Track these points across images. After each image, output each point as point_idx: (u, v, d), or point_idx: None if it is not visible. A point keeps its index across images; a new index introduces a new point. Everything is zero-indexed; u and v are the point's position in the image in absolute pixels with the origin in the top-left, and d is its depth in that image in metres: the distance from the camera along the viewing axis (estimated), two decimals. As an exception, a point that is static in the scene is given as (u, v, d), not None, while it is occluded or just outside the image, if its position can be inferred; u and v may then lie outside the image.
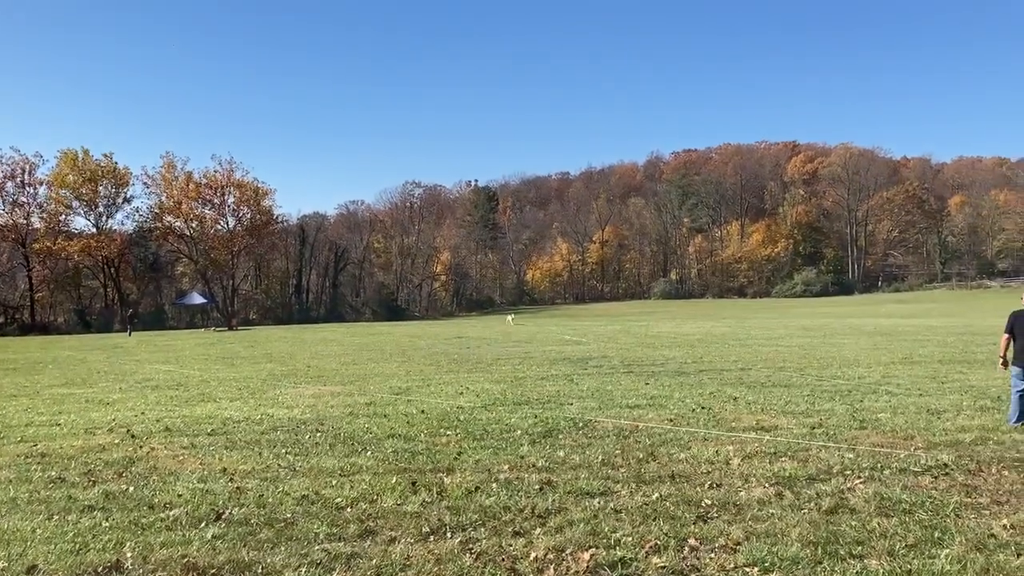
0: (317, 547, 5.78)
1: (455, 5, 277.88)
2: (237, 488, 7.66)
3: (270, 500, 7.17)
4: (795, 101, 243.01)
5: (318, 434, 10.80)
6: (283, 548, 5.77)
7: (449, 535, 6.01)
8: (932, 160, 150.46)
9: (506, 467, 8.37)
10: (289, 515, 6.64)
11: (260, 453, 9.53)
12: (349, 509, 6.81)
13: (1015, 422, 10.56)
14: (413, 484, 7.61)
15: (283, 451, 9.64)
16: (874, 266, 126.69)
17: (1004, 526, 6.01)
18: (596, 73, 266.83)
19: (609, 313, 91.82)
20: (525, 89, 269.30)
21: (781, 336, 35.23)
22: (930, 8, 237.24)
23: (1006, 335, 10.97)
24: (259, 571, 5.33)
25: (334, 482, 7.82)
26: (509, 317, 39.97)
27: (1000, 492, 7.09)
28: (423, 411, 12.75)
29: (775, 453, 8.94)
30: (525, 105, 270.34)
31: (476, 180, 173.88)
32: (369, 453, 9.34)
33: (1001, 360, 11.03)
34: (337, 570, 5.31)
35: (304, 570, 5.31)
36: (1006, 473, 7.80)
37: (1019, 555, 5.33)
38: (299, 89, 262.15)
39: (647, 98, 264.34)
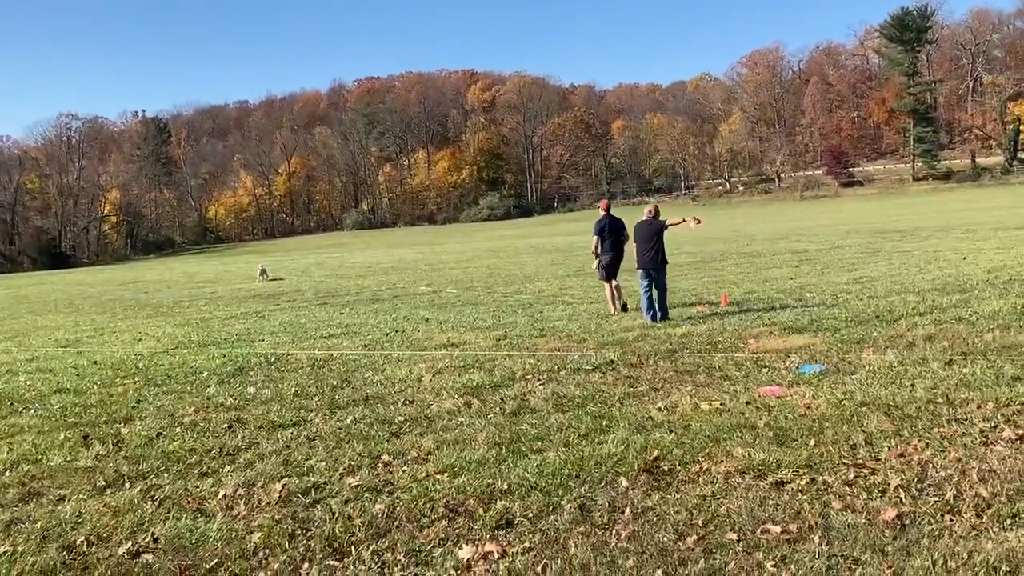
0: (-32, 520, 5.10)
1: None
2: None
3: (-95, 478, 6.20)
4: (471, 30, 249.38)
5: (-33, 398, 9.48)
6: (-77, 528, 5.02)
7: (128, 485, 5.58)
8: (596, 87, 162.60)
9: (191, 410, 7.92)
10: (-69, 491, 5.79)
11: None
12: (8, 473, 6.08)
13: (648, 315, 12.10)
14: (85, 438, 6.95)
15: (-79, 422, 8.36)
16: (550, 188, 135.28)
17: (659, 408, 6.77)
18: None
19: (302, 247, 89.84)
20: (194, 7, 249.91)
21: (470, 259, 36.69)
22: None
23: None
24: None
25: (-12, 448, 6.93)
26: (259, 266, 33.13)
27: (656, 380, 7.97)
28: (95, 362, 11.66)
29: (464, 366, 9.33)
30: (195, 26, 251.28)
31: (144, 110, 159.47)
32: (32, 412, 8.38)
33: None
34: (-7, 541, 4.73)
35: (-49, 548, 4.67)
36: (661, 363, 8.79)
37: (671, 431, 6.03)
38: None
39: (325, 24, 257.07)
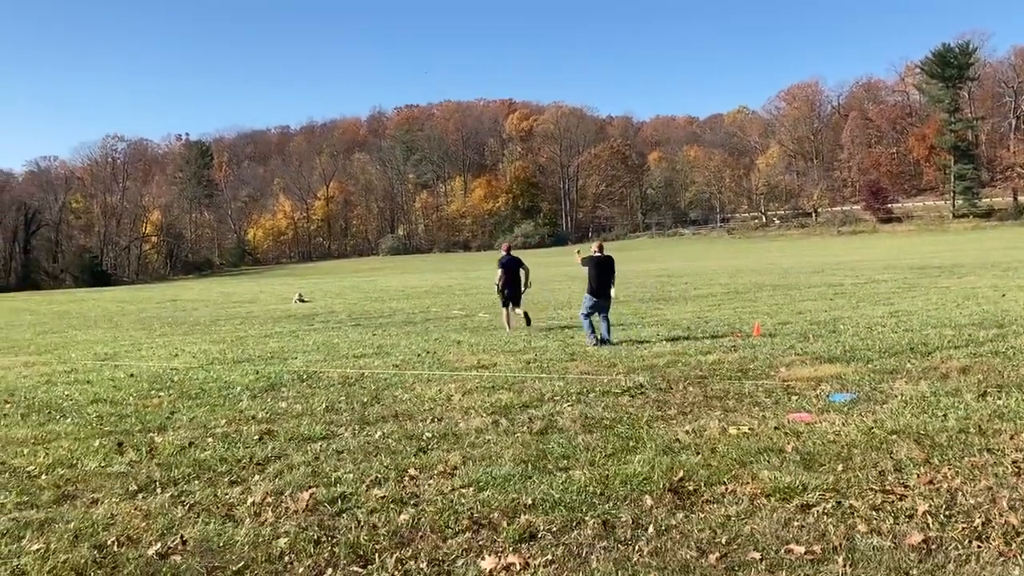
0: (4, 517, 5.23)
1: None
2: (-97, 470, 6.70)
3: (-54, 478, 6.36)
4: (510, 60, 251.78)
5: (7, 405, 9.70)
6: (-38, 525, 5.16)
7: (159, 490, 5.69)
8: (633, 119, 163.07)
9: (224, 422, 8.04)
10: (-31, 491, 5.94)
11: (-67, 431, 8.40)
12: (44, 476, 6.22)
13: (590, 339, 13.06)
14: (119, 445, 7.09)
15: (-38, 427, 8.56)
16: (585, 218, 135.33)
17: (687, 432, 6.76)
18: (310, 23, 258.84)
19: (338, 271, 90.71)
20: (240, 35, 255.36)
21: (502, 285, 36.74)
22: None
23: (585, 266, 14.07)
24: (-69, 552, 4.73)
25: (26, 451, 7.09)
26: (297, 294, 33.10)
27: (685, 404, 7.95)
28: (132, 375, 11.88)
29: (493, 387, 9.37)
30: (240, 53, 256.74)
31: (187, 134, 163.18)
32: (69, 420, 8.56)
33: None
34: (27, 537, 4.84)
35: (-12, 544, 4.79)
36: (691, 388, 8.76)
37: (698, 454, 6.02)
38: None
39: (367, 53, 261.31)
